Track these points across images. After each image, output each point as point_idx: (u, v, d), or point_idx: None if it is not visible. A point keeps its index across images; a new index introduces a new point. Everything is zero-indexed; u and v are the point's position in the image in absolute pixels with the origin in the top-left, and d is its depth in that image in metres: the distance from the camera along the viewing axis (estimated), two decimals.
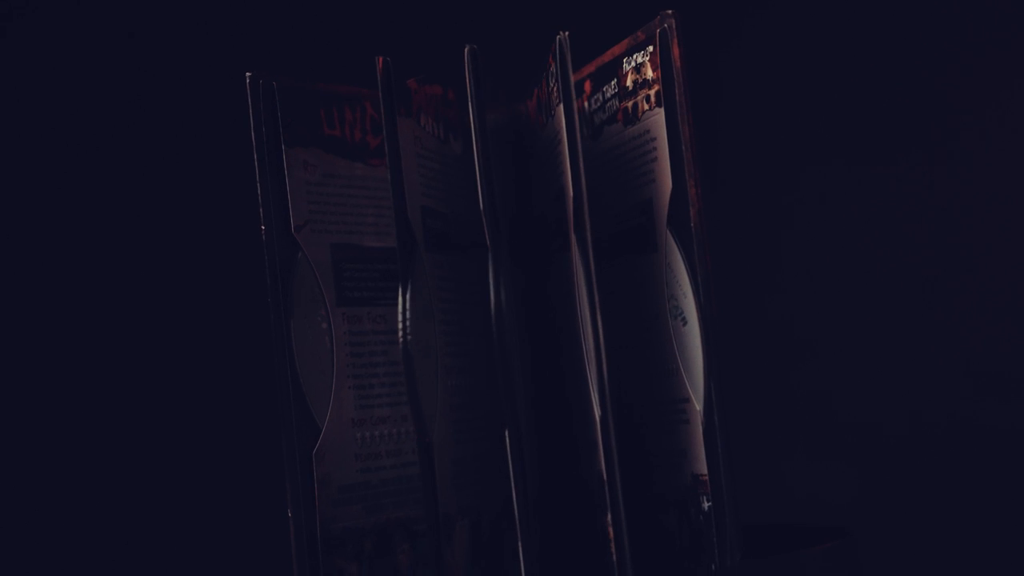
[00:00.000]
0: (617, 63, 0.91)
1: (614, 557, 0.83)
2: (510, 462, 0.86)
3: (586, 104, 0.94)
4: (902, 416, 1.27)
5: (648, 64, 0.88)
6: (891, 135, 1.37)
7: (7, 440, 1.25)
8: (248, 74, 0.88)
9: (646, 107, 0.88)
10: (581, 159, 0.84)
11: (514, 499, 0.84)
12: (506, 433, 0.86)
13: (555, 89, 0.87)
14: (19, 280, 1.27)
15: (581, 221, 0.84)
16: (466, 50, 0.87)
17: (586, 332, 0.84)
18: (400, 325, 0.85)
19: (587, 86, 0.94)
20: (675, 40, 0.86)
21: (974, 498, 1.25)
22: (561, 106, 0.85)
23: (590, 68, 0.94)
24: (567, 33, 0.85)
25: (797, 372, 1.31)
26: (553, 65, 0.87)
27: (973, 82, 1.34)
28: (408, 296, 0.85)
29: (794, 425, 1.28)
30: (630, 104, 0.90)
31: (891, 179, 1.37)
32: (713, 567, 0.84)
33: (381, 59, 0.86)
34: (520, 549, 0.85)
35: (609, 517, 0.83)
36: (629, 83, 0.90)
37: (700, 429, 0.85)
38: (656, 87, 0.87)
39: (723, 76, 1.41)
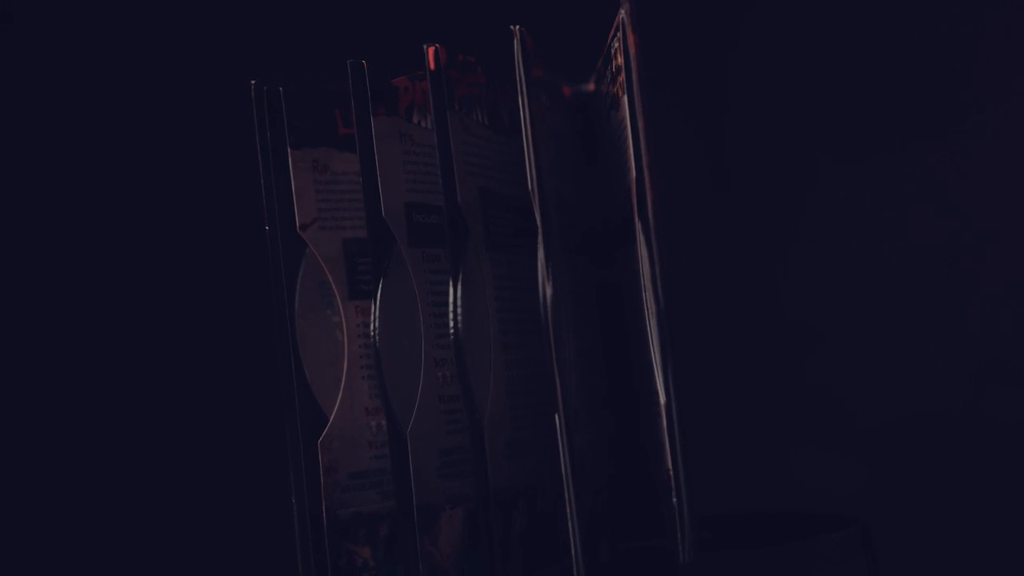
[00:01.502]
0: (610, 46, 0.89)
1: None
2: (561, 447, 0.86)
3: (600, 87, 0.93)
4: (913, 407, 1.20)
5: (619, 50, 0.86)
6: (903, 125, 1.34)
7: (13, 432, 1.35)
8: (252, 81, 0.92)
9: (621, 94, 0.86)
10: (644, 143, 0.83)
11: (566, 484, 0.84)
12: (556, 417, 0.85)
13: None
14: (26, 279, 1.36)
15: (644, 206, 0.83)
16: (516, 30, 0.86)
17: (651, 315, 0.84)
18: (372, 321, 0.87)
19: (599, 65, 0.93)
20: (630, 26, 0.84)
21: (987, 491, 1.17)
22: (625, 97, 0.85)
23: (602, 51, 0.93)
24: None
25: (807, 362, 1.27)
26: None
27: (988, 71, 1.30)
28: (380, 292, 0.87)
29: (804, 416, 1.22)
30: (615, 89, 0.88)
31: (904, 168, 1.33)
32: (680, 562, 0.83)
33: (350, 63, 0.88)
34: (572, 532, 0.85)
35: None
36: (615, 67, 0.88)
37: (664, 423, 0.83)
38: (622, 75, 0.85)
39: (731, 66, 1.38)
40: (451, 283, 0.87)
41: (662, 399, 0.83)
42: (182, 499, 1.35)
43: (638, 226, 0.84)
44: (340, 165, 0.94)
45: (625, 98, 0.85)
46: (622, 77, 0.86)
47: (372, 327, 0.88)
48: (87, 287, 1.37)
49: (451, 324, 0.87)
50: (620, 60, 0.85)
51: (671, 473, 0.83)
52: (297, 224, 0.92)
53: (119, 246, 1.38)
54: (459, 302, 0.87)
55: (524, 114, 0.84)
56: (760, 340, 1.24)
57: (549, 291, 0.83)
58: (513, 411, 0.89)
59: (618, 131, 0.89)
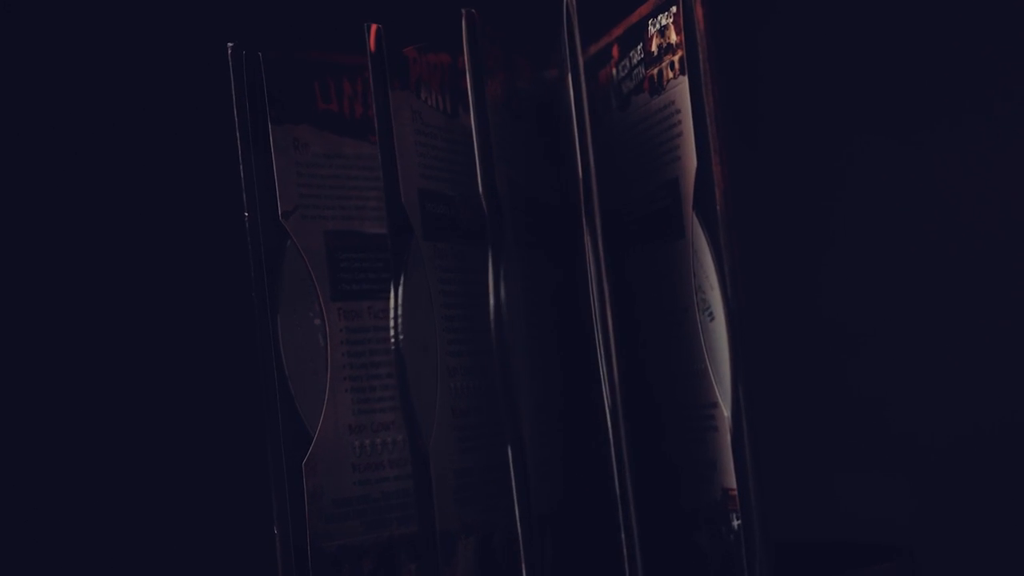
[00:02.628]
0: (643, 25, 0.81)
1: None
2: (513, 477, 0.76)
3: (614, 71, 0.85)
4: (966, 423, 1.10)
5: (672, 27, 0.78)
6: (954, 95, 1.17)
7: None
8: (230, 44, 0.80)
9: (670, 75, 0.78)
10: (589, 133, 0.74)
11: (517, 518, 0.75)
12: (508, 448, 0.76)
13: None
14: None
15: (590, 200, 0.74)
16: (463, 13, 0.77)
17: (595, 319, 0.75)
18: (392, 322, 0.76)
19: (615, 51, 0.85)
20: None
21: None
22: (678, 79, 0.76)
23: (618, 31, 0.84)
24: None
25: (847, 372, 1.14)
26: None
27: None
28: (401, 290, 0.76)
29: (844, 431, 1.13)
30: (655, 71, 0.80)
31: (956, 149, 1.16)
32: None
33: (374, 26, 0.77)
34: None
35: (622, 535, 0.74)
36: (654, 47, 0.80)
37: (729, 438, 0.75)
38: (680, 52, 0.77)
39: (761, 44, 1.23)
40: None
41: (726, 412, 0.75)
42: (150, 524, 1.16)
43: (694, 221, 0.76)
44: (320, 145, 0.83)
45: (678, 79, 0.77)
46: (674, 56, 0.77)
47: (393, 330, 0.76)
48: (49, 282, 1.16)
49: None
50: (675, 37, 0.77)
51: (734, 494, 0.75)
52: (279, 212, 0.80)
53: (76, 232, 1.17)
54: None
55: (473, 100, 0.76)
56: (794, 344, 1.11)
57: (500, 299, 0.75)
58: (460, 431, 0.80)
59: (649, 118, 0.80)
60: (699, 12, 0.75)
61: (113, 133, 1.16)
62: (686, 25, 0.76)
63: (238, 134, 0.80)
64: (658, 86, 0.80)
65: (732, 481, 0.75)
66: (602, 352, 0.75)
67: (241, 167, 0.79)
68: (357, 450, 0.82)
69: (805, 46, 1.20)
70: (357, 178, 0.84)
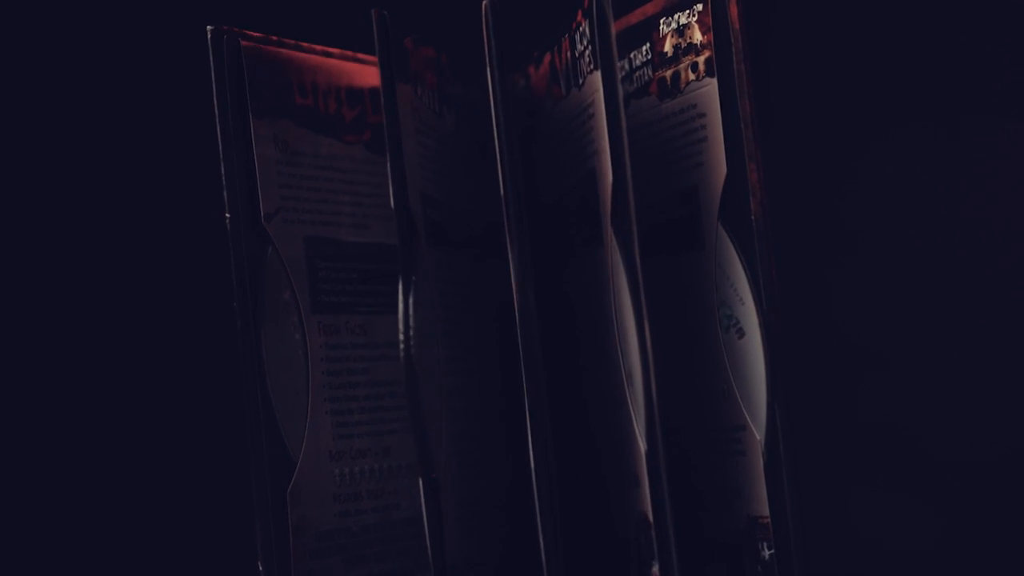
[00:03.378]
0: (650, 25, 0.76)
1: None
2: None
3: None
4: (994, 443, 1.05)
5: (696, 25, 0.73)
6: (984, 85, 1.06)
7: None
8: (210, 28, 0.72)
9: (691, 77, 0.74)
10: (625, 135, 0.69)
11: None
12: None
13: (587, 51, 0.72)
14: None
15: (625, 208, 0.69)
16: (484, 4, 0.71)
17: (627, 344, 0.69)
18: (401, 337, 0.69)
19: None
20: None
21: None
22: (598, 72, 0.70)
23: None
24: None
25: (865, 389, 1.08)
26: (584, 22, 0.72)
27: None
28: (411, 301, 0.69)
29: (861, 453, 1.07)
30: (668, 73, 0.75)
31: (993, 146, 1.06)
32: None
33: (376, 11, 0.70)
34: None
35: (656, 568, 0.69)
36: (667, 48, 0.75)
37: (760, 462, 0.70)
38: (707, 53, 0.72)
39: (774, 24, 1.07)
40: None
41: (759, 435, 0.70)
42: (132, 551, 1.02)
43: (719, 232, 0.72)
44: (299, 143, 0.75)
45: (703, 81, 0.72)
46: (697, 57, 0.73)
47: (403, 344, 0.69)
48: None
49: (401, 347, 0.70)
50: (700, 37, 0.73)
51: (764, 522, 0.70)
52: (261, 214, 0.72)
53: (39, 231, 1.03)
54: (412, 318, 0.70)
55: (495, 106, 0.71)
56: (808, 359, 1.02)
57: (530, 313, 0.70)
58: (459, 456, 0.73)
59: (656, 123, 0.75)
60: (734, 11, 0.71)
61: (76, 121, 1.03)
62: (716, 24, 0.72)
63: (218, 127, 0.72)
64: (672, 89, 0.75)
65: (761, 509, 0.71)
66: (637, 374, 0.69)
67: (222, 163, 0.71)
68: (337, 479, 0.74)
69: (825, 25, 1.10)
70: (332, 180, 0.77)
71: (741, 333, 0.71)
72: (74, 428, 1.03)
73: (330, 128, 0.77)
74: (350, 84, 0.78)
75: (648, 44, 0.76)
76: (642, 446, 0.68)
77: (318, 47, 0.77)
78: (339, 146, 0.77)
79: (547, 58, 0.79)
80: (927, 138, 1.06)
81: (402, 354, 0.68)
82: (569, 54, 0.75)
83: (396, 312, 0.72)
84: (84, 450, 1.03)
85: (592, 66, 0.71)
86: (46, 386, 1.02)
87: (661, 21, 0.75)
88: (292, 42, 0.75)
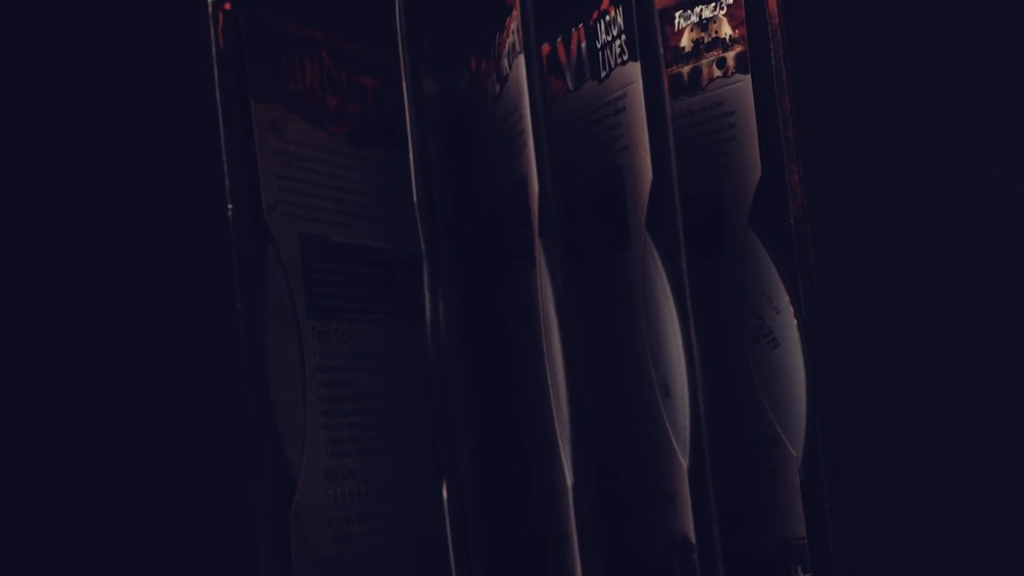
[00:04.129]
0: (662, 19, 0.72)
1: None
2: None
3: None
4: None
5: (724, 19, 0.69)
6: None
7: None
8: (210, 0, 0.65)
9: (716, 73, 0.70)
10: (671, 130, 0.65)
11: None
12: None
13: (618, 41, 0.67)
14: None
15: (669, 208, 0.64)
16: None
17: (663, 355, 0.65)
18: (430, 340, 0.63)
19: None
20: None
21: None
22: (634, 63, 0.65)
23: None
24: None
25: (898, 400, 1.02)
26: (613, 10, 0.67)
27: None
28: (441, 306, 0.64)
29: (895, 469, 1.01)
30: (686, 70, 0.71)
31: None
32: None
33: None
34: None
35: None
36: (685, 43, 0.71)
37: (795, 480, 0.67)
38: (737, 48, 0.69)
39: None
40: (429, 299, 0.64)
41: (795, 451, 0.67)
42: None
43: (750, 237, 0.68)
44: (293, 131, 0.68)
45: (731, 78, 0.69)
46: (726, 52, 0.69)
47: (433, 348, 0.63)
48: None
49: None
50: (729, 31, 0.69)
51: (800, 543, 0.67)
52: (263, 205, 0.66)
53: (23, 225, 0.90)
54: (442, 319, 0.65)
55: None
56: (836, 369, 0.94)
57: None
58: None
59: (676, 121, 0.71)
60: (773, 3, 0.68)
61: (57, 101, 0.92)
62: (750, 18, 0.68)
63: (220, 112, 0.64)
64: (690, 86, 0.71)
65: (795, 530, 0.67)
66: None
67: (224, 150, 0.64)
68: (331, 500, 0.68)
69: (847, 24, 1.03)
70: (320, 173, 0.70)
71: (775, 344, 0.68)
72: (65, 439, 0.93)
73: (317, 117, 0.70)
74: (331, 69, 0.72)
75: (684, 34, 0.72)
76: (684, 463, 0.64)
77: (300, 27, 0.70)
78: (324, 137, 0.71)
79: (545, 48, 0.74)
80: (961, 135, 1.01)
81: (432, 362, 0.63)
82: (584, 45, 0.71)
83: (380, 320, 0.67)
84: (79, 458, 0.94)
85: (625, 56, 0.66)
86: (46, 387, 0.93)
87: (677, 14, 0.72)
88: (280, 20, 0.69)
